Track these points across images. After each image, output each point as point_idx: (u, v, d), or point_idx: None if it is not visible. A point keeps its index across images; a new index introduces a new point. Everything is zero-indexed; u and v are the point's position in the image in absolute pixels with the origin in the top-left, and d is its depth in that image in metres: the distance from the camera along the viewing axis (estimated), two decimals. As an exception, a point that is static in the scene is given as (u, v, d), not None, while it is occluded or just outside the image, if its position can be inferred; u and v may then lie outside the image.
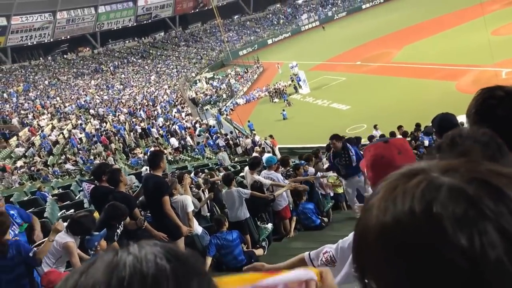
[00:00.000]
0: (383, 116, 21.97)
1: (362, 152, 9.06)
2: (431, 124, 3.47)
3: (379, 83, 29.52)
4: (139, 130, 32.16)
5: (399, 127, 14.55)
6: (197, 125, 32.50)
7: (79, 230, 4.70)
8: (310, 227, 8.08)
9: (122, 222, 5.35)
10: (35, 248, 4.20)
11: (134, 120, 35.72)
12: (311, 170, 9.34)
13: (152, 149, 25.83)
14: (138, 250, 0.59)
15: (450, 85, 23.54)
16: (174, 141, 28.20)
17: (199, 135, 30.06)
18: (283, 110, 30.36)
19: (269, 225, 7.58)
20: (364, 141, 14.65)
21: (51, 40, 68.75)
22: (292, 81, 37.75)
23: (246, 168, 8.59)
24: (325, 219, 8.45)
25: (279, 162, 9.51)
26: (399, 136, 13.32)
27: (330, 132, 18.67)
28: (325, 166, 9.25)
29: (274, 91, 37.72)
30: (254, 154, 17.52)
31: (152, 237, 5.64)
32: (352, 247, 0.67)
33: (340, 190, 9.52)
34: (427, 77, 26.53)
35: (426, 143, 11.65)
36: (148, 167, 9.10)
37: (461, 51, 28.44)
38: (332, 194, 9.47)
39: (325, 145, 15.52)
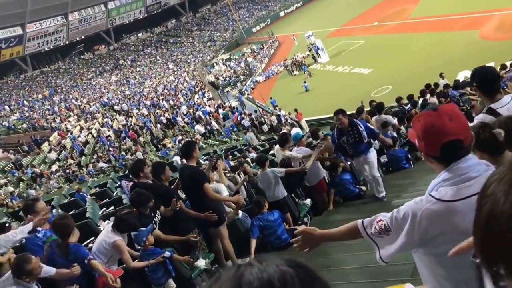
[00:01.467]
0: (408, 75, 21.49)
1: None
2: (470, 78, 3.36)
3: (399, 41, 28.78)
4: (165, 121, 32.47)
5: (427, 86, 14.13)
6: (220, 108, 32.54)
7: (125, 227, 4.77)
8: (349, 198, 8.01)
9: (158, 211, 5.40)
10: (90, 256, 4.30)
11: (158, 111, 36.02)
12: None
13: (180, 137, 26.17)
14: (258, 261, 0.62)
15: (473, 34, 22.77)
16: (199, 128, 28.37)
17: (225, 119, 30.08)
18: (305, 82, 30.04)
19: (308, 201, 7.55)
20: (393, 103, 14.33)
21: (67, 42, 69.54)
22: (310, 51, 37.20)
23: (277, 146, 8.53)
24: (363, 188, 8.34)
25: (307, 135, 9.40)
26: (428, 95, 12.99)
27: (355, 98, 18.43)
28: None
29: (292, 63, 37.32)
30: (283, 130, 17.46)
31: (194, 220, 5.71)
32: (476, 233, 0.64)
33: (374, 156, 9.34)
34: (448, 29, 25.71)
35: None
36: (180, 156, 9.15)
37: (481, -4, 27.37)
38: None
39: (351, 112, 15.35)
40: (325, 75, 31.37)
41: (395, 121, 10.26)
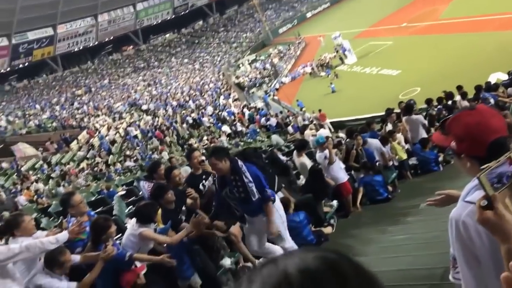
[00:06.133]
0: (437, 77, 21.02)
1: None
2: (508, 77, 3.25)
3: (429, 43, 28.20)
4: (191, 121, 32.69)
5: (459, 87, 13.74)
6: (245, 109, 32.55)
7: (142, 218, 4.79)
8: (376, 201, 7.85)
9: (184, 207, 5.39)
10: (130, 251, 4.31)
11: (184, 111, 36.31)
12: (373, 141, 8.90)
13: (205, 138, 26.40)
14: (289, 254, 0.60)
15: (507, 35, 22.09)
16: (226, 128, 28.45)
17: (250, 120, 30.02)
18: (331, 83, 29.76)
19: (334, 202, 7.42)
20: (421, 105, 14.00)
21: (96, 43, 70.89)
22: (337, 52, 36.86)
23: (295, 151, 8.45)
24: (390, 188, 8.18)
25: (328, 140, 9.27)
26: (458, 97, 12.67)
27: (383, 100, 18.10)
28: None
29: (319, 64, 37.10)
30: (307, 131, 17.33)
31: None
32: None
33: (404, 156, 9.10)
34: (481, 29, 25.04)
35: (492, 101, 10.88)
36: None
37: (515, -6, 26.56)
38: (396, 164, 9.06)
39: (379, 114, 15.08)
40: (352, 76, 31.01)
41: (425, 121, 10.03)
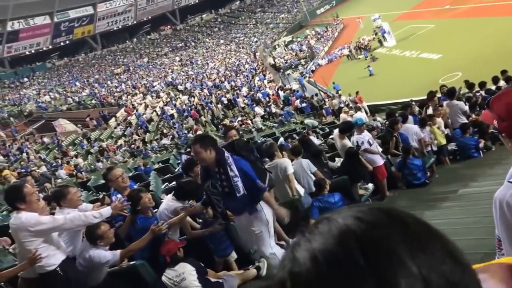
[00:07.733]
0: (480, 62, 20.28)
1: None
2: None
3: (473, 26, 27.14)
4: (226, 101, 32.82)
5: (503, 72, 13.21)
6: (280, 91, 32.34)
7: (183, 194, 4.91)
8: (412, 185, 7.72)
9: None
10: (162, 221, 4.46)
11: (219, 92, 36.46)
12: (411, 126, 8.73)
13: (240, 119, 26.45)
14: (340, 211, 0.58)
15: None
16: (259, 110, 28.42)
17: (285, 102, 29.86)
18: (369, 66, 29.19)
19: (370, 185, 7.35)
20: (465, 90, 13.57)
21: (135, 22, 71.82)
22: (376, 34, 36.08)
23: (336, 131, 8.34)
24: (427, 174, 8.02)
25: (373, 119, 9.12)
26: (502, 82, 12.20)
27: (422, 85, 17.55)
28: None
29: (357, 47, 36.38)
30: (342, 114, 17.10)
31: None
32: None
33: (443, 141, 8.89)
34: (528, 12, 23.94)
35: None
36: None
37: None
38: (435, 148, 8.85)
39: (418, 98, 14.71)
40: (391, 59, 30.31)
41: (466, 107, 9.74)
